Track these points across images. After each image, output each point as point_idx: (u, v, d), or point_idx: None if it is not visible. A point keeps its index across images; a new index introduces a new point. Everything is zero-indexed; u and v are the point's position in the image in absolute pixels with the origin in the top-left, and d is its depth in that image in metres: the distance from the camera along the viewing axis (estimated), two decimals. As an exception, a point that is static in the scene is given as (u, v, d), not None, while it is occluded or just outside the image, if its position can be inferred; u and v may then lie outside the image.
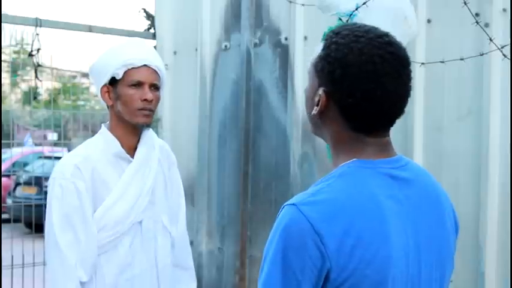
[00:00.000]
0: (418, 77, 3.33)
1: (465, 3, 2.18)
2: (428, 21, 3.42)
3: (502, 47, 2.27)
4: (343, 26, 1.37)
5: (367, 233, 1.23)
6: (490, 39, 2.21)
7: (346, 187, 1.27)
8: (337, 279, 1.21)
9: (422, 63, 2.69)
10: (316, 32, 3.61)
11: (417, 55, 3.30)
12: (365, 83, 1.27)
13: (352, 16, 2.22)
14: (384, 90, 1.28)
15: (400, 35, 2.15)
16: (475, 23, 2.29)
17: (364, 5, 2.18)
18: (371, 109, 1.29)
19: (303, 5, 3.35)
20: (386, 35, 1.34)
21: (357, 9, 2.20)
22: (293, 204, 1.25)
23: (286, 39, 4.08)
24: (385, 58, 1.28)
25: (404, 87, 1.33)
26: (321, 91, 1.32)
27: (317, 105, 1.34)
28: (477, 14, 3.05)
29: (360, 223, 1.23)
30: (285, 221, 1.24)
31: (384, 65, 1.28)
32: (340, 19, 2.31)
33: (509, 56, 2.28)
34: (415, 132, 3.45)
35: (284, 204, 1.28)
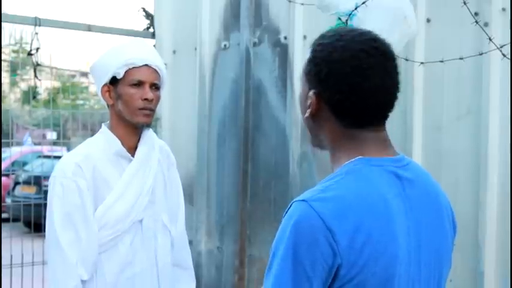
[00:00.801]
0: (418, 77, 3.33)
1: (464, 2, 2.18)
2: (428, 20, 3.42)
3: (502, 47, 2.27)
4: (330, 30, 1.41)
5: (376, 230, 1.24)
6: (490, 39, 2.21)
7: (355, 184, 1.28)
8: (346, 276, 1.22)
9: (422, 63, 2.69)
10: (315, 32, 3.59)
11: (416, 54, 3.30)
12: (350, 77, 1.30)
13: (351, 16, 2.22)
14: (370, 83, 1.30)
15: (399, 35, 2.16)
16: (475, 23, 2.29)
17: (364, 5, 2.18)
18: (359, 103, 1.31)
19: (302, 4, 3.35)
20: (370, 32, 1.37)
21: (356, 8, 2.20)
22: (303, 200, 1.25)
23: (285, 38, 4.08)
24: (370, 53, 1.31)
25: (391, 80, 1.35)
26: (311, 93, 1.35)
27: (309, 107, 1.36)
28: (476, 14, 3.05)
29: (369, 220, 1.24)
30: (296, 217, 1.24)
31: (369, 60, 1.30)
32: (339, 18, 2.31)
33: (508, 56, 2.28)
34: (414, 132, 3.44)
35: (293, 201, 1.28)
